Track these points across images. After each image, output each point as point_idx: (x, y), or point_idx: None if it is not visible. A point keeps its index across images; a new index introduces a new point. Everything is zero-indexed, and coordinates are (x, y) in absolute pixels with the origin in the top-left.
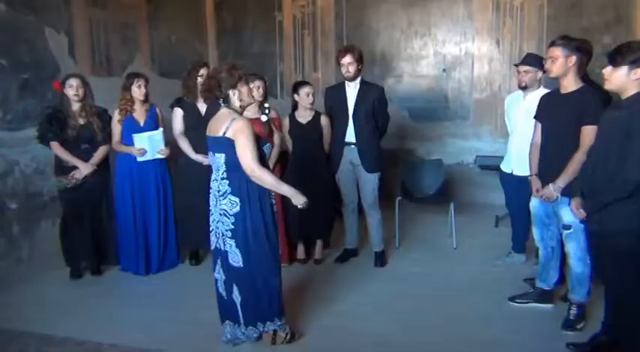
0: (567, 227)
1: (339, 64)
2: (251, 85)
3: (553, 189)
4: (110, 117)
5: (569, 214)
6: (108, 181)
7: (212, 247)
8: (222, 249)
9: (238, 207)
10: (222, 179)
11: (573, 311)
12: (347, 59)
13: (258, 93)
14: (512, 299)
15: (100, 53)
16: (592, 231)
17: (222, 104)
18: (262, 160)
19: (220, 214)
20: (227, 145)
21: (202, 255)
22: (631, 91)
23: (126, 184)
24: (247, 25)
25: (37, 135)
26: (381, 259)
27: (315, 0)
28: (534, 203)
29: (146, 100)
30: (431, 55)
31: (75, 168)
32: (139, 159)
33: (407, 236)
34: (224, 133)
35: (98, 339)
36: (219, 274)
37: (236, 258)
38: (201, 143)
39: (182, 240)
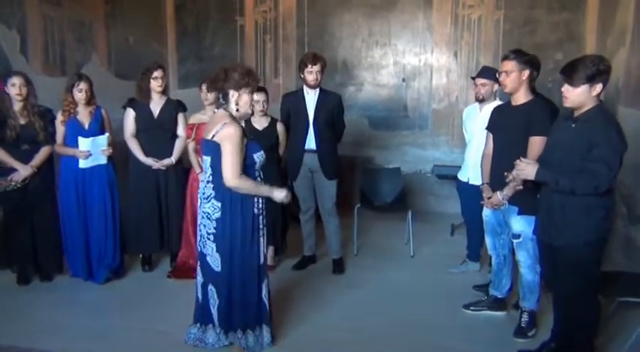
0: (517, 236)
1: (301, 71)
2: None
3: (501, 197)
4: (54, 117)
5: (519, 223)
6: (52, 184)
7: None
8: (203, 251)
9: (220, 213)
10: (208, 182)
11: (524, 318)
12: (317, 67)
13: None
14: (466, 306)
15: (54, 52)
16: (553, 244)
17: (222, 100)
18: (251, 168)
19: (203, 217)
20: (214, 148)
21: (155, 260)
22: (589, 106)
23: (70, 188)
24: (208, 29)
25: None
26: (339, 266)
27: (277, 5)
28: (486, 212)
29: (90, 103)
30: (391, 64)
31: (15, 169)
32: (81, 164)
33: (365, 243)
34: (212, 136)
35: (46, 347)
36: (199, 276)
37: (215, 262)
38: (153, 145)
39: (134, 245)
